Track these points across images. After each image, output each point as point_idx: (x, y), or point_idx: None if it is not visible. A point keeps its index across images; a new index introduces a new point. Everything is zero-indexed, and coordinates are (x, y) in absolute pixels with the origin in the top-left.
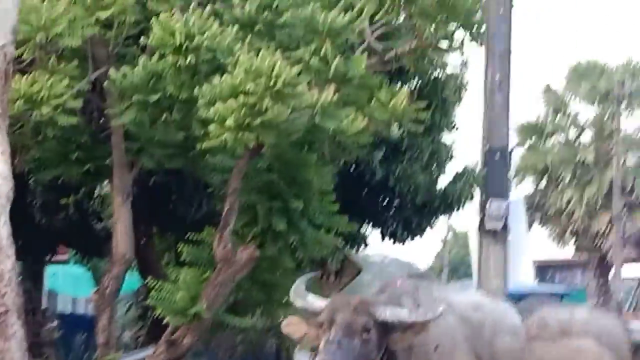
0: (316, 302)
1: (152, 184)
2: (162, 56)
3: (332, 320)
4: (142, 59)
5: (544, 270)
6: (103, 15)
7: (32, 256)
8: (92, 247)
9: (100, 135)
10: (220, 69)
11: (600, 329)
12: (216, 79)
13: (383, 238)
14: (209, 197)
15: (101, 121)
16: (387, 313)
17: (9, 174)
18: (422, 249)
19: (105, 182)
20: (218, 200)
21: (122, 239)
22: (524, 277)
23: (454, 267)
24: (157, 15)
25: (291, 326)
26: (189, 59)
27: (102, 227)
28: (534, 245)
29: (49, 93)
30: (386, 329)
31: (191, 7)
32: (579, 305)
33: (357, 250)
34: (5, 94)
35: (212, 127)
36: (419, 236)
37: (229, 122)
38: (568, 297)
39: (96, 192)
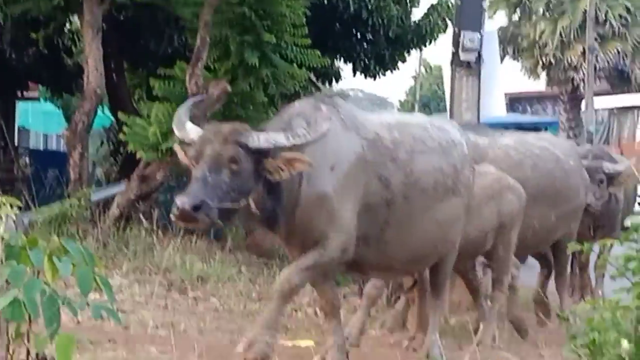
0: (192, 132)
1: (123, 18)
2: None
3: (200, 154)
4: None
5: (516, 102)
6: None
7: (2, 93)
8: (63, 83)
9: None
10: None
11: (527, 156)
12: None
13: (355, 73)
14: (180, 32)
15: None
16: (261, 139)
17: None
18: (394, 85)
19: (76, 16)
20: (190, 35)
21: (93, 75)
22: (496, 110)
23: (426, 102)
24: None
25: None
26: None
27: (72, 63)
28: (507, 78)
29: None
30: (262, 156)
31: None
32: (511, 132)
33: (330, 84)
34: None
35: None
36: (391, 70)
37: None
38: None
39: (67, 27)
